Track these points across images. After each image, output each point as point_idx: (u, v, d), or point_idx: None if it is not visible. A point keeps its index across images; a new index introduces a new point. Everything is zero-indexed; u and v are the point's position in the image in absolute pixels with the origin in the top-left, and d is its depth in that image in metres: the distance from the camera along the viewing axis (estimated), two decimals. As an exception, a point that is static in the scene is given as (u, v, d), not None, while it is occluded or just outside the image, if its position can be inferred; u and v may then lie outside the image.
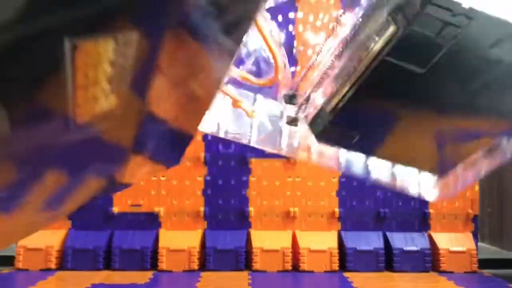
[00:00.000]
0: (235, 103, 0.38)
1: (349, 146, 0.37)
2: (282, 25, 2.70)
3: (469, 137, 0.33)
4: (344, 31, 0.32)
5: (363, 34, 0.30)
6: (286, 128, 0.38)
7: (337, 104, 0.34)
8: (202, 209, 3.00)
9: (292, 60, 2.71)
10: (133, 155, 0.29)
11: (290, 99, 0.39)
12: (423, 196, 0.38)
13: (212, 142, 2.00)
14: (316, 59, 0.36)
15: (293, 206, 2.87)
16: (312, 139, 0.37)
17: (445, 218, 2.68)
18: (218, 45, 0.22)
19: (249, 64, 0.40)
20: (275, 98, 0.39)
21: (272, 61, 0.39)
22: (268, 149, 0.38)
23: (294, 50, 2.90)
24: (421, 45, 0.28)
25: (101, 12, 0.16)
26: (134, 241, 2.59)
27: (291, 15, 3.01)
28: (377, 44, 0.28)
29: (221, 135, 0.39)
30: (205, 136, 2.38)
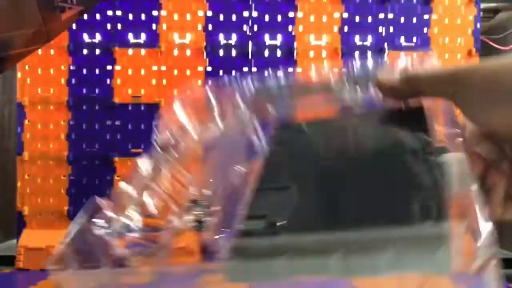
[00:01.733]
0: None
1: None
2: (282, 26, 2.64)
3: None
4: None
5: None
6: None
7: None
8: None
9: (292, 61, 2.67)
10: None
11: None
12: None
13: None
14: None
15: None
16: None
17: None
18: None
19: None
20: None
21: None
22: None
23: (295, 52, 2.84)
24: None
25: None
26: (134, 241, 2.53)
27: (290, 14, 2.96)
28: None
29: None
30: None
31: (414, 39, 2.89)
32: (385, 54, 2.84)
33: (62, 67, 2.75)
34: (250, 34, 2.93)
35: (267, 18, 2.93)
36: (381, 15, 2.92)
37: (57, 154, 2.79)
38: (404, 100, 0.29)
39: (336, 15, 2.91)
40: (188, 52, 2.86)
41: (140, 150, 2.81)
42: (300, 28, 2.96)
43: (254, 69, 2.82)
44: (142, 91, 2.82)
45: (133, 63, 2.82)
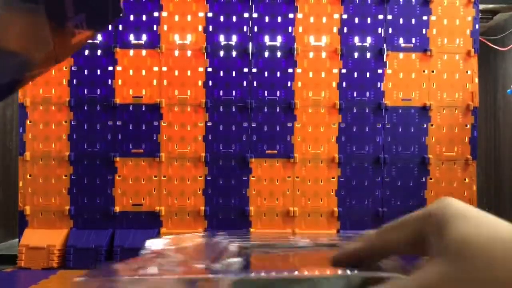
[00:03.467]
0: None
1: None
2: (282, 27, 2.67)
3: None
4: None
5: None
6: None
7: None
8: (202, 208, 3.00)
9: (292, 62, 2.70)
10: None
11: None
12: None
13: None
14: None
15: (292, 205, 2.88)
16: None
17: (443, 218, 2.61)
18: None
19: None
20: None
21: None
22: None
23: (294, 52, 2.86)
24: None
25: None
26: (135, 240, 2.61)
27: (290, 15, 2.99)
28: None
29: None
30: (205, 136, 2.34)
31: (413, 40, 2.91)
32: (385, 55, 2.86)
33: (64, 68, 2.76)
34: (250, 35, 2.94)
35: (267, 19, 2.94)
36: (380, 16, 2.94)
37: (59, 154, 2.80)
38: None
39: (336, 16, 2.93)
40: (188, 53, 2.87)
41: (141, 150, 2.83)
42: (300, 29, 2.97)
43: (254, 70, 2.84)
44: (143, 92, 2.83)
45: (134, 63, 2.83)
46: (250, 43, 2.84)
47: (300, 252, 0.41)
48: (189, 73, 2.83)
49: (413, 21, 2.86)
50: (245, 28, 2.84)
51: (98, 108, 2.81)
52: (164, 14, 2.82)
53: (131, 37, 2.81)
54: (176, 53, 2.83)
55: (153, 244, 0.41)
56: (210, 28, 2.84)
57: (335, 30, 2.85)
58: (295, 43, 2.83)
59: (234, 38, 2.85)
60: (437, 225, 0.30)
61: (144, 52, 2.83)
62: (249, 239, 0.43)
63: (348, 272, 0.31)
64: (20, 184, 2.79)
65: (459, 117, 2.86)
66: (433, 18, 2.87)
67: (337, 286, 0.31)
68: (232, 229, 2.67)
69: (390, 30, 2.86)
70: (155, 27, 2.82)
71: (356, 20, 2.86)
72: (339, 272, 0.32)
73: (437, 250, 0.29)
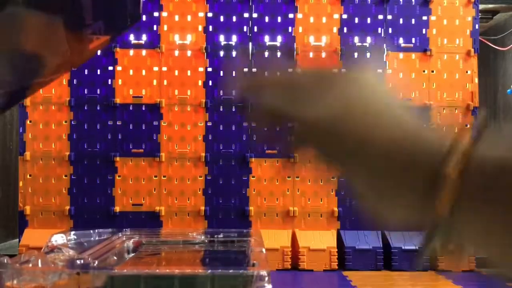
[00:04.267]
0: None
1: None
2: (282, 27, 2.67)
3: None
4: None
5: None
6: None
7: None
8: (202, 208, 3.00)
9: (292, 62, 2.64)
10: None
11: None
12: None
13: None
14: None
15: (292, 205, 2.88)
16: None
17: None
18: None
19: None
20: None
21: None
22: None
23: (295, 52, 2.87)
24: None
25: None
26: (135, 240, 2.54)
27: (290, 15, 2.99)
28: None
29: None
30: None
31: (413, 40, 2.90)
32: (384, 55, 2.85)
33: (64, 68, 2.75)
34: (250, 35, 2.94)
35: (267, 19, 2.94)
36: (380, 16, 2.93)
37: (59, 154, 2.80)
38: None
39: (336, 16, 2.93)
40: (188, 53, 2.87)
41: (141, 150, 2.83)
42: (300, 29, 2.97)
43: (254, 70, 2.83)
44: (143, 92, 2.83)
45: (134, 63, 2.83)
46: (250, 43, 2.84)
47: (187, 248, 0.49)
48: (189, 73, 2.83)
49: (413, 21, 2.86)
50: (245, 28, 2.84)
51: (98, 108, 2.81)
52: (164, 14, 2.82)
53: (131, 37, 2.81)
54: (176, 53, 2.83)
55: (56, 239, 0.47)
56: (210, 28, 2.84)
57: (335, 30, 2.85)
58: (295, 43, 2.83)
59: (234, 38, 2.84)
60: None
61: (144, 52, 2.83)
62: (156, 237, 0.52)
63: (209, 271, 0.36)
64: (20, 184, 2.79)
65: (459, 117, 2.86)
66: (433, 18, 2.86)
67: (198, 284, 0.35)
68: (232, 229, 2.67)
69: (390, 30, 2.86)
70: (155, 27, 2.82)
71: (356, 20, 2.86)
72: (200, 271, 0.36)
73: None
